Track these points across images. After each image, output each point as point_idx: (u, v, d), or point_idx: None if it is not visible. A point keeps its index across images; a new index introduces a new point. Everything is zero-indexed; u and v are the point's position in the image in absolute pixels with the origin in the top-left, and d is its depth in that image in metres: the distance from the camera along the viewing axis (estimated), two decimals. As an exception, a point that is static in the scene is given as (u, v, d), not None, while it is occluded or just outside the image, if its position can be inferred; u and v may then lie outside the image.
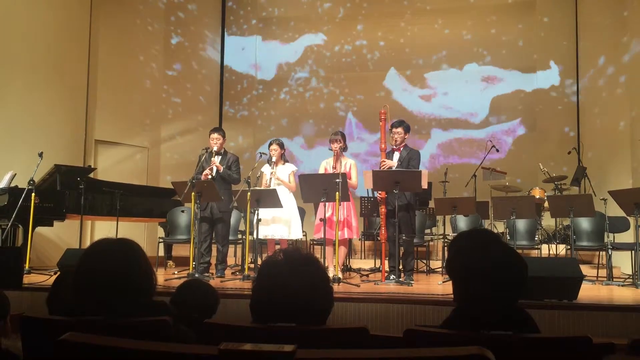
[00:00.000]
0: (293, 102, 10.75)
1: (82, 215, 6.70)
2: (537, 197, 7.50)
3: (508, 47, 9.95)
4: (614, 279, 6.08)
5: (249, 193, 5.68)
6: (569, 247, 6.63)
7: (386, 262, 5.78)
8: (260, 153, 6.32)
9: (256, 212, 5.76)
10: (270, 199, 5.76)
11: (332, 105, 10.54)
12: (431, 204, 7.75)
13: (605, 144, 8.67)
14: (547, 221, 8.03)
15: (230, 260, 7.32)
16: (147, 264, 1.80)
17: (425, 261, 7.29)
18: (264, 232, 6.04)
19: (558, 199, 6.75)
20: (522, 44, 9.94)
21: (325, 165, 6.16)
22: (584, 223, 6.63)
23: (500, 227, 7.79)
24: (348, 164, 6.06)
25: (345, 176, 5.59)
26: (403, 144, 5.93)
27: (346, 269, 6.93)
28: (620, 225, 6.54)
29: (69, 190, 6.73)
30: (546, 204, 7.35)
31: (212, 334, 1.56)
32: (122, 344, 1.22)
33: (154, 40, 9.83)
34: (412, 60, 10.27)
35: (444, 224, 7.49)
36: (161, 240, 7.42)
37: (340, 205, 5.54)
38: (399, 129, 5.88)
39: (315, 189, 5.57)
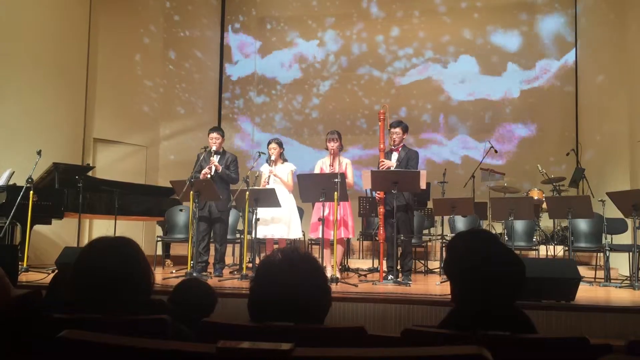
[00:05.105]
0: (292, 102, 10.73)
1: (80, 213, 6.71)
2: (536, 198, 7.50)
3: (508, 47, 9.95)
4: (612, 280, 6.09)
5: (247, 192, 5.68)
6: (566, 248, 6.63)
7: (384, 262, 5.78)
8: (259, 152, 6.31)
9: (255, 211, 5.76)
10: (268, 198, 5.74)
11: (333, 105, 10.53)
12: (430, 205, 7.75)
13: (604, 146, 8.68)
14: (545, 222, 8.04)
15: (228, 260, 7.32)
16: (145, 262, 1.80)
17: (423, 261, 7.29)
18: (264, 232, 6.02)
19: (556, 200, 6.75)
20: (522, 44, 9.93)
21: (321, 165, 6.15)
22: (582, 224, 6.64)
23: (498, 228, 7.79)
24: (344, 163, 6.04)
25: (343, 176, 5.58)
26: (401, 144, 5.93)
27: (344, 268, 6.93)
28: (618, 227, 6.56)
29: (68, 188, 6.73)
30: (544, 205, 7.35)
31: (210, 333, 1.56)
32: (120, 341, 1.22)
33: (153, 39, 9.82)
34: (411, 60, 10.26)
35: (442, 225, 7.49)
36: (159, 239, 7.42)
37: (338, 205, 5.54)
38: (398, 129, 5.88)
39: (314, 189, 5.56)
